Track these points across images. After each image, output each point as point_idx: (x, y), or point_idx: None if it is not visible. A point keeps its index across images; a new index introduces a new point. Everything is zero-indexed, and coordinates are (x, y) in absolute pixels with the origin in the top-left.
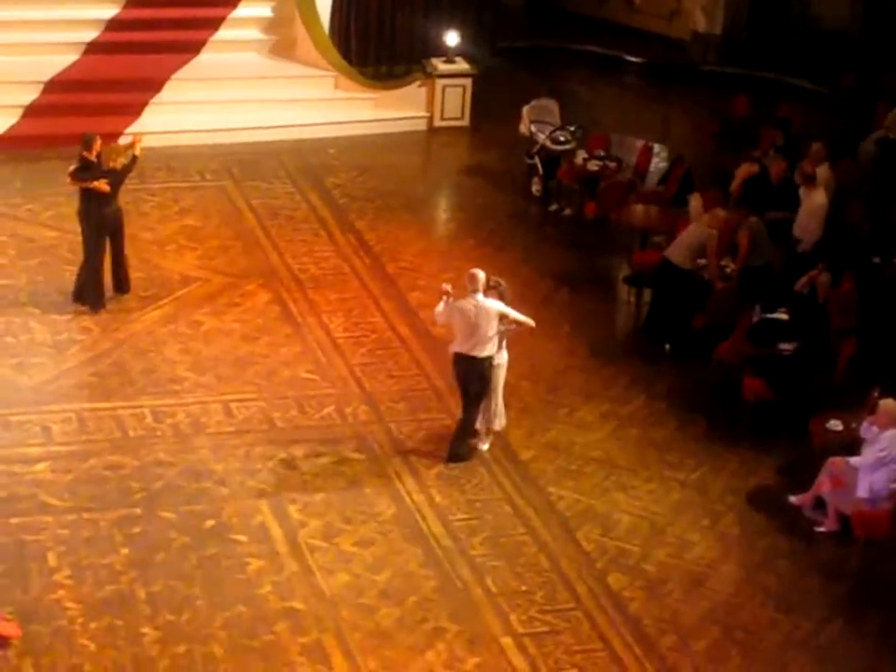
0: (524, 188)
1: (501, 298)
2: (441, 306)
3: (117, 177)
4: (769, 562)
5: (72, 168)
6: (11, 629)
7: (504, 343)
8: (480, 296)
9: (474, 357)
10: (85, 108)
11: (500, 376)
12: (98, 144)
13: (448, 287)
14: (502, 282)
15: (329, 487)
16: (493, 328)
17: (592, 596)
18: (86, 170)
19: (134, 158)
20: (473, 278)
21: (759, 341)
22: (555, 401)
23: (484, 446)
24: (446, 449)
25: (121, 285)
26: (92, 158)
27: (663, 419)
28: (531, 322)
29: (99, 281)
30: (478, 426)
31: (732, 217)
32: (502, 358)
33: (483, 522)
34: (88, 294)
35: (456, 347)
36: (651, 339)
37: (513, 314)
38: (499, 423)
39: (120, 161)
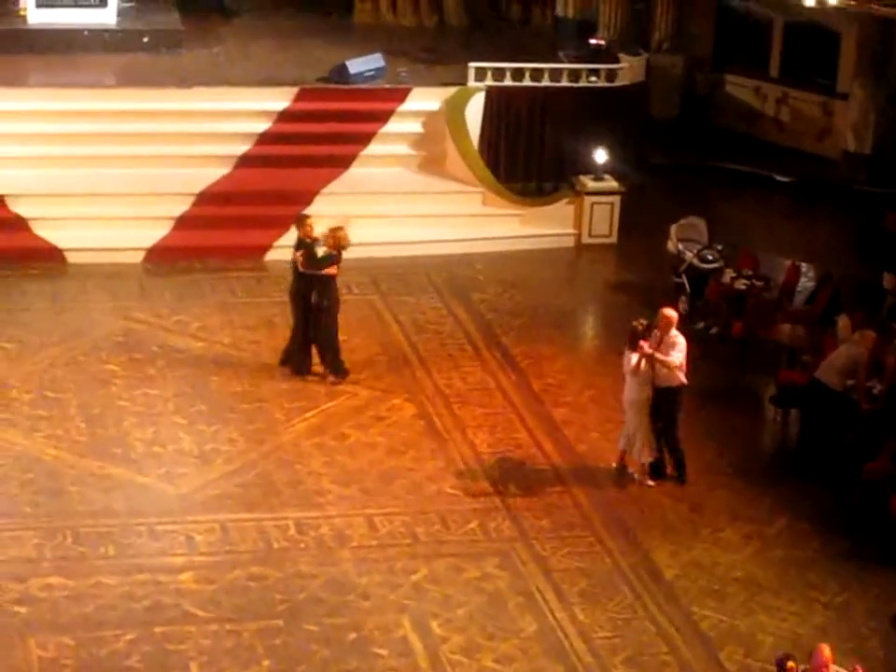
0: (670, 305)
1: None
2: None
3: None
4: None
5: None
6: None
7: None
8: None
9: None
10: (235, 221)
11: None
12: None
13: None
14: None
15: (472, 603)
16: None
17: None
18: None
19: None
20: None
21: None
22: (699, 521)
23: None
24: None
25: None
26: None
27: (806, 539)
28: (670, 361)
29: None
30: (639, 458)
31: (878, 338)
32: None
33: (626, 640)
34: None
35: None
36: (804, 460)
37: (656, 354)
38: (640, 455)
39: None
